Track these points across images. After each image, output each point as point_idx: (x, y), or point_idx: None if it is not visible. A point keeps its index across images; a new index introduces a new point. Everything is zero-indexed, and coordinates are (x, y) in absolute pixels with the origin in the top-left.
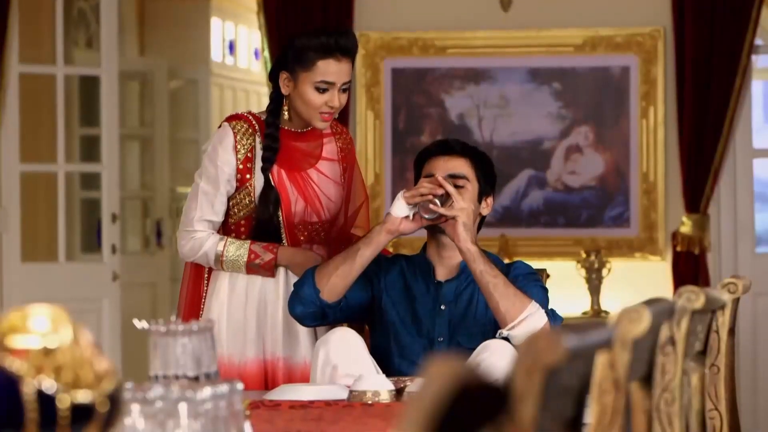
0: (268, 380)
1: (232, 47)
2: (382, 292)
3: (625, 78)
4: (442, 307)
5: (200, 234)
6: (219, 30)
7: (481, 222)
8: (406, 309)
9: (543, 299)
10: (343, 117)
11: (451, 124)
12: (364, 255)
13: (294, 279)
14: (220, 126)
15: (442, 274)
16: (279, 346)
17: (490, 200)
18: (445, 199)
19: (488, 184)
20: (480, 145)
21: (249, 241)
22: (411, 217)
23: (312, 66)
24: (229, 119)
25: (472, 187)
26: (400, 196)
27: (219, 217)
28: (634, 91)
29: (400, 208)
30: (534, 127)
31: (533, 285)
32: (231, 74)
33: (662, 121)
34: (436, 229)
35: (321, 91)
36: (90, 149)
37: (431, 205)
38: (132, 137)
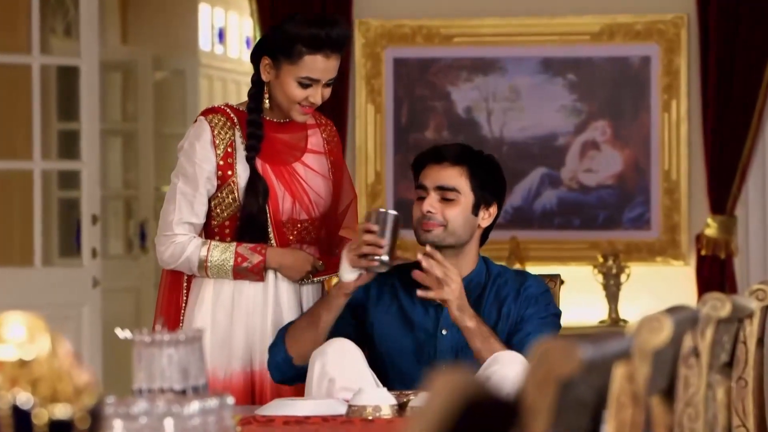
0: (255, 394)
1: (221, 35)
2: (372, 320)
3: (646, 69)
4: (444, 331)
5: (181, 238)
6: (208, 17)
7: (487, 232)
8: (404, 335)
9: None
10: (341, 110)
11: (457, 119)
12: (327, 321)
13: (283, 284)
14: (195, 121)
15: None
16: (267, 357)
17: (493, 210)
18: (392, 247)
19: (488, 193)
20: (489, 142)
21: (234, 244)
22: (365, 272)
23: (298, 60)
24: (205, 113)
25: (465, 199)
26: (344, 259)
27: (200, 219)
28: (655, 83)
29: (348, 272)
30: (547, 122)
31: (543, 318)
32: (220, 64)
33: (685, 116)
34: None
35: (304, 86)
36: (68, 145)
37: (419, 291)
38: (114, 132)
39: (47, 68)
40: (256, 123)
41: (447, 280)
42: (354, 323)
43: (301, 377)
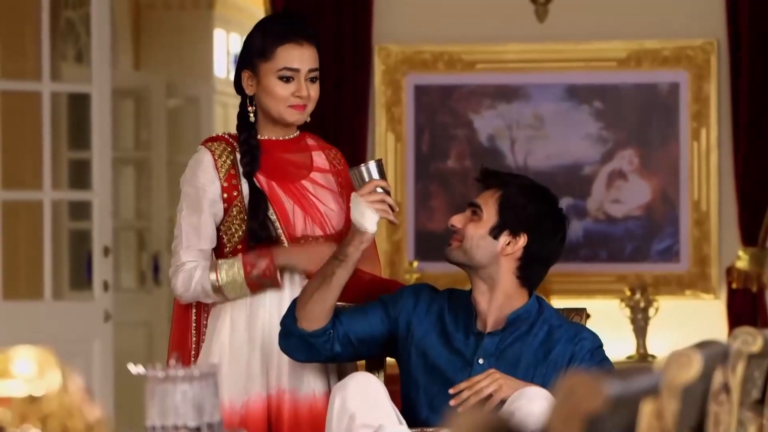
0: (272, 417)
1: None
2: (411, 335)
3: (674, 96)
4: (480, 360)
5: (189, 265)
6: (222, 42)
7: (524, 262)
8: (442, 356)
9: None
10: (361, 138)
11: (480, 147)
12: (340, 277)
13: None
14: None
15: (485, 324)
16: (284, 377)
17: (522, 240)
18: (379, 172)
19: (515, 222)
20: (512, 171)
21: (240, 255)
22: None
23: (272, 55)
24: (204, 142)
25: (486, 217)
26: (363, 206)
27: (208, 245)
28: (684, 111)
29: (371, 220)
30: (572, 151)
31: None
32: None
33: (715, 144)
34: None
35: (286, 80)
36: (79, 174)
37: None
38: (126, 161)
39: (58, 95)
40: (248, 142)
41: (484, 390)
42: (383, 324)
43: (305, 351)
